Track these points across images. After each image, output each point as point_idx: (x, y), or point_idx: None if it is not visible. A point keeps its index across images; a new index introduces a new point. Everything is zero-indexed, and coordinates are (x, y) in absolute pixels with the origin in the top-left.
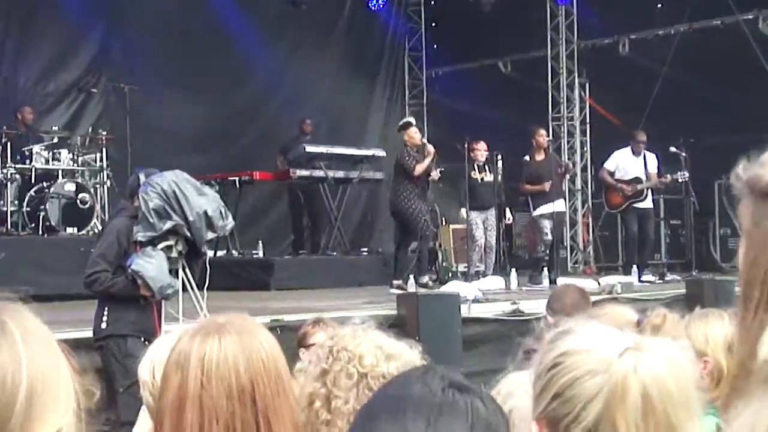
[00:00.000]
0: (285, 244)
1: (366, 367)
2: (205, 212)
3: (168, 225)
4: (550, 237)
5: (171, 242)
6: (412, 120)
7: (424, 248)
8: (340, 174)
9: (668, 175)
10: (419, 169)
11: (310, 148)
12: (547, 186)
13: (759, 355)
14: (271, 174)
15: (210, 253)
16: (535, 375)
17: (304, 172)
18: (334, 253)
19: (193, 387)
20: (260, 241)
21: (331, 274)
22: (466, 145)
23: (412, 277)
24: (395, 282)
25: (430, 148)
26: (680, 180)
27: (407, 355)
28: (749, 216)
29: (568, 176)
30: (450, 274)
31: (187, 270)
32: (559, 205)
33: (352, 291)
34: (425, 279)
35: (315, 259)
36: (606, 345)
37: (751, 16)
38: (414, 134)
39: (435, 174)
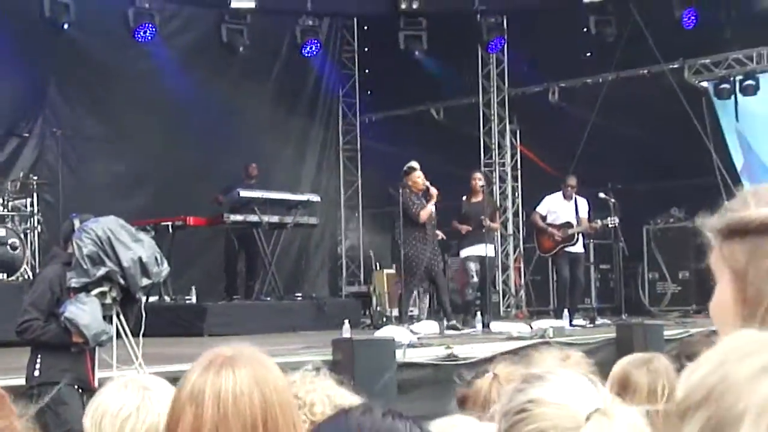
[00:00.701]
0: (219, 289)
1: (317, 416)
2: (140, 258)
3: (102, 271)
4: (476, 279)
5: (105, 288)
6: (415, 164)
7: (441, 294)
8: (275, 219)
9: (598, 221)
10: (424, 215)
11: (244, 194)
12: (464, 229)
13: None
14: (205, 219)
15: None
16: (500, 411)
17: (238, 217)
18: (269, 299)
19: (210, 421)
20: (193, 287)
21: (266, 320)
22: (399, 190)
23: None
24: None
25: (434, 191)
26: (610, 225)
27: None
28: (743, 256)
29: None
30: (384, 319)
31: (122, 316)
32: (488, 249)
33: (287, 336)
34: (452, 321)
35: (249, 304)
36: (575, 401)
37: (676, 65)
38: (418, 179)
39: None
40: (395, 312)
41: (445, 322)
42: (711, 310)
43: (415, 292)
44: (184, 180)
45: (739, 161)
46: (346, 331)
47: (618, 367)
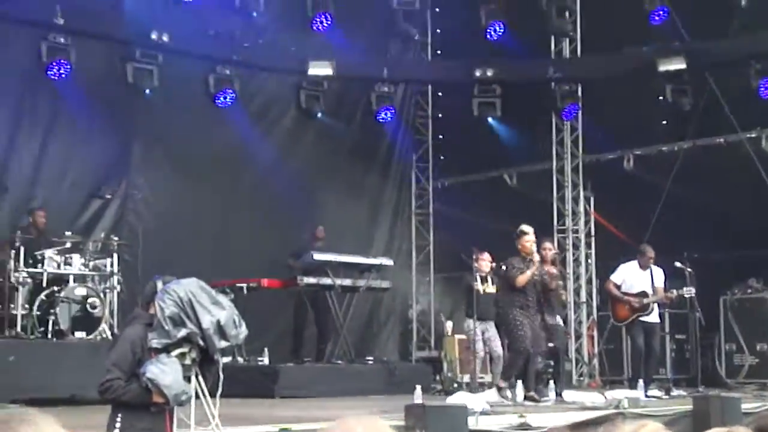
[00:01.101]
0: (291, 351)
1: None
2: (219, 321)
3: (183, 332)
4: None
5: (185, 349)
6: (527, 228)
7: (530, 365)
8: (347, 282)
9: (674, 291)
10: (522, 280)
11: (318, 256)
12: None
13: None
14: (279, 281)
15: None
16: None
17: (312, 280)
18: (340, 362)
19: None
20: (266, 348)
21: (336, 383)
22: (473, 256)
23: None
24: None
25: (536, 257)
26: (686, 295)
27: None
28: None
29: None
30: (455, 385)
31: (200, 377)
32: (557, 318)
33: (357, 400)
34: (531, 393)
35: (320, 367)
36: None
37: (753, 135)
38: (526, 242)
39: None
40: (466, 378)
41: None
42: None
43: (484, 357)
44: (260, 242)
45: None
46: (418, 397)
47: None
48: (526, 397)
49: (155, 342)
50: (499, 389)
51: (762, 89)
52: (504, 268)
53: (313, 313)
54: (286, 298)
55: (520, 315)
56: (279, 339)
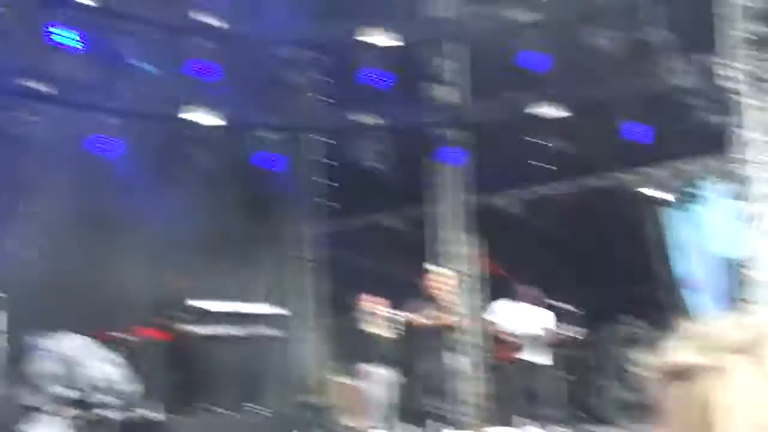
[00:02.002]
0: (181, 402)
1: None
2: (109, 378)
3: (68, 393)
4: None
5: (72, 409)
6: (435, 268)
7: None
8: (234, 331)
9: (559, 331)
10: (421, 321)
11: (205, 306)
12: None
13: None
14: (166, 332)
15: None
16: None
17: (199, 330)
18: (228, 412)
19: None
20: (155, 401)
21: None
22: (363, 301)
23: None
24: None
25: (446, 296)
26: (570, 334)
27: None
28: (664, 396)
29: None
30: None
31: None
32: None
33: None
34: None
35: (208, 417)
36: None
37: (627, 176)
38: (434, 283)
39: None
40: (352, 423)
41: None
42: None
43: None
44: (146, 292)
45: (688, 272)
46: None
47: None
48: None
49: (40, 402)
50: None
51: (632, 134)
52: (405, 313)
53: (201, 363)
54: (167, 351)
55: (422, 357)
56: (168, 391)
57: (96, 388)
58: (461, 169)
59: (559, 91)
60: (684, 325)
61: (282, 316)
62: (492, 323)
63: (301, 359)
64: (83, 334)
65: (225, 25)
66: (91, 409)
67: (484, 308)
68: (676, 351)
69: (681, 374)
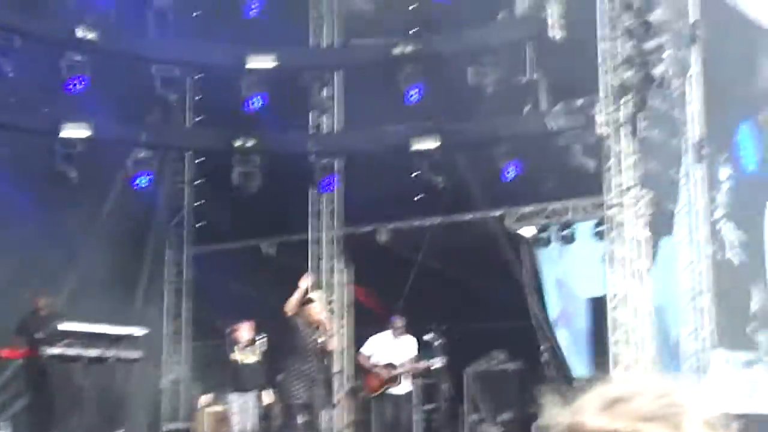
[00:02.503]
0: (34, 426)
1: None
2: None
3: None
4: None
5: None
6: (314, 296)
7: None
8: (95, 353)
9: (424, 361)
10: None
11: (63, 326)
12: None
13: None
14: (19, 352)
15: None
16: None
17: (56, 351)
18: None
19: None
20: (9, 421)
21: None
22: (230, 327)
23: None
24: None
25: (327, 323)
26: (434, 366)
27: None
28: None
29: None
30: None
31: None
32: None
33: None
34: None
35: None
36: None
37: (499, 213)
38: (313, 310)
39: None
40: None
41: None
42: None
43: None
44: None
45: (555, 309)
46: None
47: None
48: None
49: None
50: None
51: (504, 172)
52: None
53: (58, 385)
54: (26, 371)
55: (297, 384)
56: (19, 413)
57: None
58: (333, 197)
59: (436, 124)
60: (598, 387)
61: (143, 336)
62: (362, 354)
63: (168, 383)
64: None
65: (101, 40)
66: None
67: (354, 338)
68: (589, 414)
69: None
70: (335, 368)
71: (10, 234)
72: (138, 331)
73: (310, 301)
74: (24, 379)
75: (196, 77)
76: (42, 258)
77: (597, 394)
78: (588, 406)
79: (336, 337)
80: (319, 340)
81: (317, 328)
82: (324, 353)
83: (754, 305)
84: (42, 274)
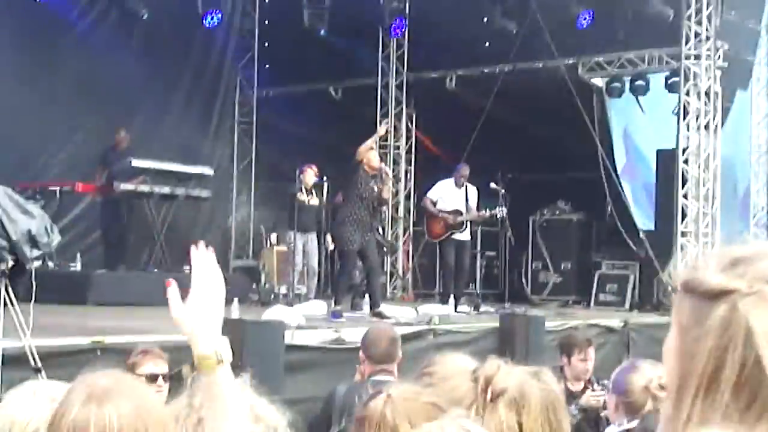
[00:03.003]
0: (105, 258)
1: None
2: (29, 231)
3: None
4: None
5: None
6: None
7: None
8: (166, 190)
9: (487, 210)
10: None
11: (136, 162)
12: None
13: None
14: (94, 186)
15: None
16: None
17: (129, 187)
18: (155, 270)
19: None
20: (78, 254)
21: (151, 292)
22: (298, 168)
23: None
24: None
25: (386, 170)
26: (498, 215)
27: (273, 419)
28: (689, 314)
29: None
30: (272, 296)
31: (9, 288)
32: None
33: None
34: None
35: (135, 275)
36: None
37: (571, 61)
38: (372, 158)
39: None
40: (283, 289)
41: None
42: (663, 353)
43: (302, 269)
44: (75, 145)
45: (621, 161)
46: (235, 310)
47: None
48: (372, 313)
49: None
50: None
51: (581, 19)
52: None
53: (129, 220)
54: (102, 204)
55: (352, 230)
56: (93, 245)
57: (18, 241)
58: (402, 41)
59: None
60: (718, 249)
61: (212, 176)
62: (428, 199)
63: (236, 222)
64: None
65: None
66: (8, 261)
67: (417, 184)
68: (709, 271)
69: (716, 295)
70: (399, 213)
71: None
72: (207, 170)
73: (371, 148)
74: (98, 212)
75: None
76: (119, 94)
77: (717, 254)
78: (707, 264)
79: (402, 181)
80: (376, 189)
81: (375, 176)
82: (381, 201)
83: None
84: (118, 111)
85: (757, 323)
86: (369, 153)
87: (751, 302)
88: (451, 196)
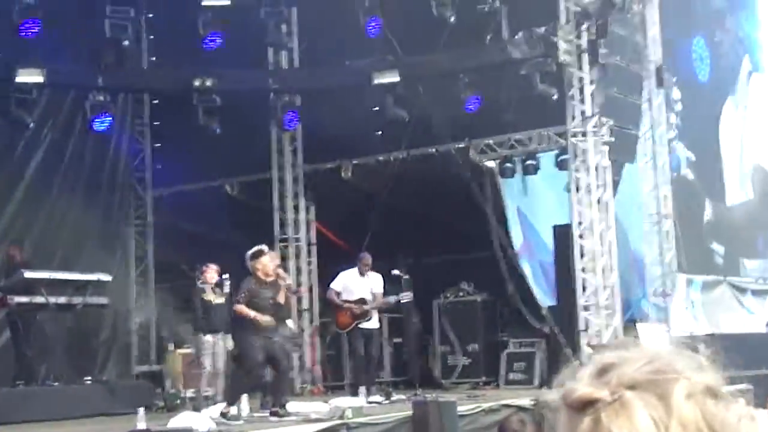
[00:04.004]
0: (6, 375)
1: None
2: None
3: None
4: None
5: None
6: (264, 248)
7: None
8: (62, 300)
9: (392, 297)
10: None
11: (29, 274)
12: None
13: None
14: None
15: None
16: None
17: (24, 299)
18: (56, 383)
19: None
20: None
21: (55, 406)
22: (199, 269)
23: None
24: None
25: (283, 277)
26: (402, 301)
27: None
28: (565, 428)
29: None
30: (178, 401)
31: None
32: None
33: (77, 424)
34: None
35: (36, 390)
36: None
37: (462, 145)
38: (266, 264)
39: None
40: (190, 393)
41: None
42: None
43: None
44: None
45: (518, 240)
46: (141, 420)
47: None
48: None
49: None
50: (223, 415)
51: (468, 104)
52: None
53: (25, 333)
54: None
55: (253, 336)
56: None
57: None
58: (295, 134)
59: (396, 58)
60: (588, 354)
61: (109, 282)
62: (332, 290)
63: (137, 327)
64: None
65: None
66: None
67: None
68: (580, 382)
69: (582, 406)
70: (304, 305)
71: None
72: (104, 276)
73: (261, 253)
74: None
75: (149, 15)
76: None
77: (593, 362)
78: (583, 373)
79: (304, 273)
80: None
81: (270, 283)
82: (278, 306)
83: (707, 216)
84: (6, 223)
85: None
86: (263, 259)
87: (613, 411)
88: (355, 285)
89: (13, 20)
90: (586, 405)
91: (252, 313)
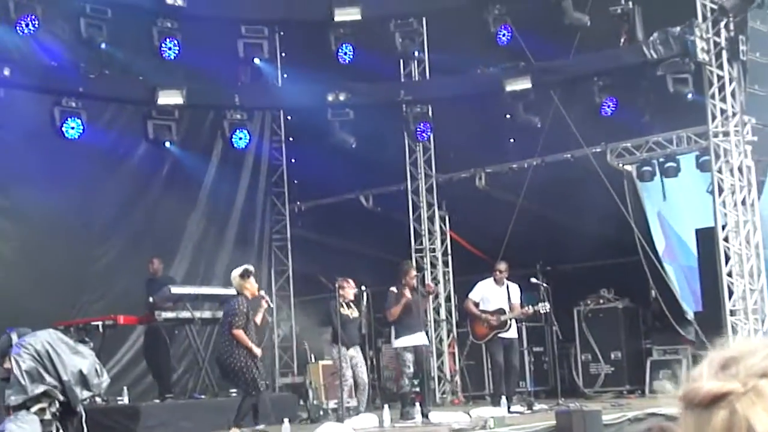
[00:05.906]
0: (151, 389)
1: None
2: (80, 371)
3: (41, 389)
4: (411, 370)
5: (44, 404)
6: (251, 268)
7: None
8: (207, 314)
9: (530, 306)
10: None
11: (175, 290)
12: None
13: None
14: (135, 318)
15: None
16: None
17: (170, 315)
18: (203, 396)
19: None
20: (125, 387)
21: (201, 419)
22: (336, 284)
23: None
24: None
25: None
26: (542, 311)
27: None
28: (693, 428)
29: (431, 297)
30: (321, 412)
31: (61, 431)
32: (420, 338)
33: None
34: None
35: (182, 403)
36: None
37: (599, 149)
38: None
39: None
40: (332, 404)
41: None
42: None
43: (351, 383)
44: (114, 279)
45: (660, 244)
46: (286, 430)
47: None
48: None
49: (12, 399)
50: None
51: (603, 107)
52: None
53: (172, 348)
54: (143, 335)
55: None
56: (138, 377)
57: (69, 381)
58: (429, 144)
59: (527, 64)
60: (712, 351)
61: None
62: (470, 301)
63: (280, 340)
64: (52, 324)
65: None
66: (59, 403)
67: (456, 285)
68: (703, 379)
69: (712, 401)
70: (441, 315)
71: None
72: None
73: (250, 273)
74: (142, 344)
75: (281, 33)
76: (145, 227)
77: (709, 360)
78: (701, 371)
79: (441, 284)
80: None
81: (253, 302)
82: (263, 324)
83: None
84: (154, 241)
85: (759, 422)
86: (251, 279)
87: (749, 401)
88: (493, 295)
89: (154, 43)
90: (716, 399)
91: (251, 345)
